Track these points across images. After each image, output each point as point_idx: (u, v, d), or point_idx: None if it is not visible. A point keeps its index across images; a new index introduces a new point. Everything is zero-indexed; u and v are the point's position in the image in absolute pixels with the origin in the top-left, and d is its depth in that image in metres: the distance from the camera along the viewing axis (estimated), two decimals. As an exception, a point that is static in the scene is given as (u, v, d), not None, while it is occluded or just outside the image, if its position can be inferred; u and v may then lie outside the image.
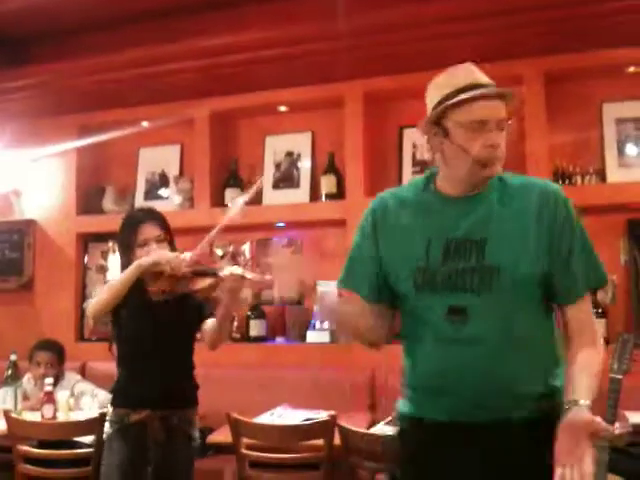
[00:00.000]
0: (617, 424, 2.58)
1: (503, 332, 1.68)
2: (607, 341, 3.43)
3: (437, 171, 1.82)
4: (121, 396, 2.61)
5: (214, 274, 2.41)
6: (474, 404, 1.68)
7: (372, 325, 1.86)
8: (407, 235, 1.78)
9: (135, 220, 2.61)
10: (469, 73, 1.75)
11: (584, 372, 1.68)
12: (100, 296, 2.54)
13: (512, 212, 1.73)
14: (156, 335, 2.55)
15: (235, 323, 4.18)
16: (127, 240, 2.58)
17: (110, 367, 3.62)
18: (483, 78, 1.75)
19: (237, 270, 2.37)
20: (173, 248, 2.62)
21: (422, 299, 1.73)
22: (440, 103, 1.73)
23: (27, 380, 3.68)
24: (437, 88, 1.77)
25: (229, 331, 2.48)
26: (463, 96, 1.69)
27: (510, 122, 1.74)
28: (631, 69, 3.60)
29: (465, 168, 1.72)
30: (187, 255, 2.46)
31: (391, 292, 1.83)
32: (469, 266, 1.69)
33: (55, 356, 3.65)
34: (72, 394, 3.52)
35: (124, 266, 2.56)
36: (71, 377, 3.74)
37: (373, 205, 1.88)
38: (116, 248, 4.33)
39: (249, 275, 2.37)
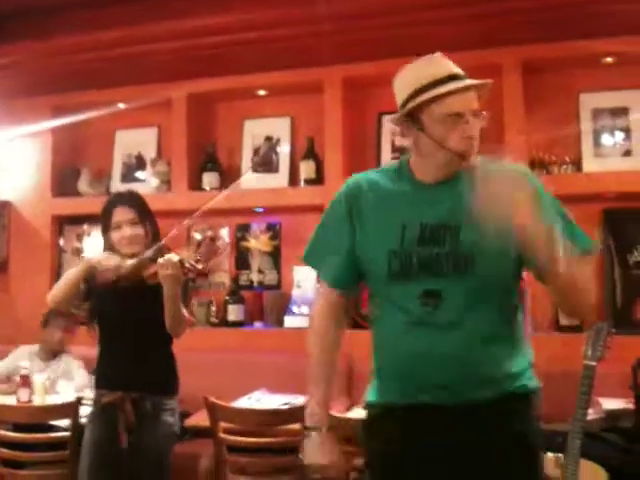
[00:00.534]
0: (591, 410, 2.63)
1: (475, 317, 1.71)
2: (581, 329, 3.50)
3: (410, 157, 1.83)
4: (98, 377, 2.71)
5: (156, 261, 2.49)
6: (443, 386, 1.70)
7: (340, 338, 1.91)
8: (382, 220, 1.78)
9: (110, 203, 2.71)
10: (441, 65, 1.75)
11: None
12: (57, 285, 2.69)
13: (487, 197, 1.73)
14: (122, 317, 2.63)
15: (213, 308, 4.19)
16: (104, 223, 2.70)
17: (88, 351, 3.62)
18: (455, 69, 1.75)
19: (172, 257, 2.43)
20: (154, 230, 2.69)
21: (396, 284, 1.74)
22: (413, 96, 1.72)
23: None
24: (407, 80, 1.76)
25: (176, 316, 2.52)
26: (441, 90, 1.69)
27: (484, 112, 1.75)
28: (608, 59, 3.63)
29: (441, 159, 1.74)
30: (131, 261, 2.54)
31: (354, 278, 1.85)
32: (443, 251, 1.71)
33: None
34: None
35: (104, 247, 2.70)
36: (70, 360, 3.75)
37: (347, 188, 1.88)
38: (91, 231, 4.37)
39: (186, 262, 2.43)
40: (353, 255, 1.82)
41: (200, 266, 2.49)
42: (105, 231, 2.70)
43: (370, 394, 1.84)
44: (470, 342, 1.70)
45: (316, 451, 1.83)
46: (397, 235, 1.74)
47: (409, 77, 1.76)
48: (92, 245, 4.31)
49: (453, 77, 1.72)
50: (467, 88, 1.72)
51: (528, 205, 1.58)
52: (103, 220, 2.70)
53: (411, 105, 1.72)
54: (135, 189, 2.91)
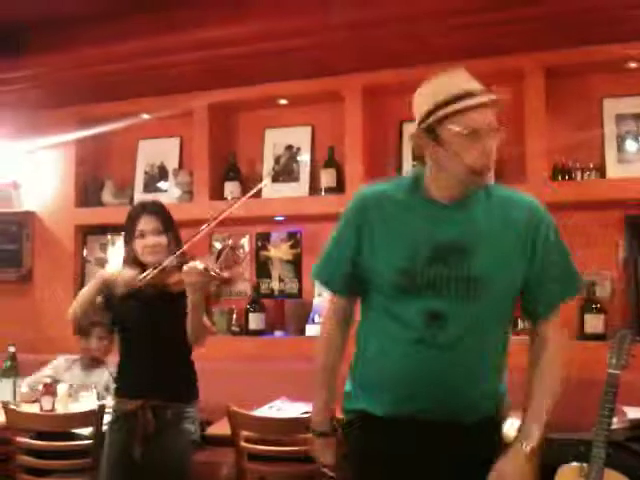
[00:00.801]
0: (615, 419, 2.59)
1: (475, 341, 1.73)
2: (604, 337, 3.45)
3: (424, 173, 1.82)
4: (118, 385, 2.75)
5: (181, 268, 2.49)
6: (436, 405, 1.73)
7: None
8: (394, 235, 1.79)
9: (134, 213, 2.73)
10: (462, 80, 1.75)
11: (545, 394, 1.80)
12: (75, 302, 2.71)
13: (498, 224, 1.77)
14: (143, 325, 2.64)
15: (234, 316, 4.19)
16: (127, 231, 2.72)
17: (107, 360, 3.63)
18: (475, 84, 1.75)
19: (197, 264, 2.43)
20: (177, 239, 2.71)
21: (401, 300, 1.75)
22: (433, 111, 1.72)
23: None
24: (427, 95, 1.76)
25: (198, 325, 2.52)
26: (461, 105, 1.69)
27: (500, 128, 1.74)
28: (632, 65, 3.58)
29: (458, 175, 1.74)
30: (145, 274, 2.56)
31: (362, 287, 1.87)
32: (453, 274, 1.72)
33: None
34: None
35: (126, 256, 2.73)
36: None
37: (362, 200, 1.87)
38: (115, 241, 4.41)
39: (211, 270, 2.43)
40: (358, 266, 1.84)
41: (226, 274, 2.48)
42: (128, 240, 2.71)
43: (351, 401, 1.87)
44: (468, 365, 1.73)
45: (322, 453, 1.93)
46: (407, 252, 1.75)
47: (429, 92, 1.77)
48: (115, 255, 4.35)
49: (471, 93, 1.72)
50: (485, 104, 1.72)
51: None
52: (127, 228, 2.72)
53: (431, 120, 1.72)
54: (158, 200, 2.93)
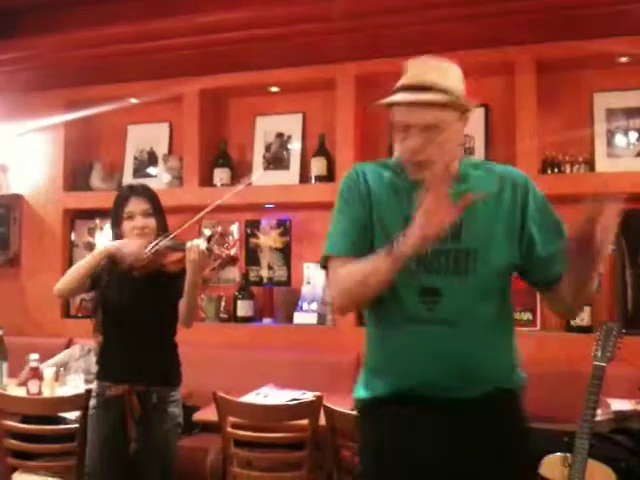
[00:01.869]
0: (599, 411, 2.62)
1: (473, 315, 1.72)
2: (591, 329, 3.49)
3: None
4: (102, 369, 2.73)
5: (182, 248, 2.52)
6: (441, 383, 1.71)
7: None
8: (386, 211, 1.78)
9: (123, 194, 2.73)
10: (420, 70, 1.73)
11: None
12: (67, 275, 2.68)
13: (488, 200, 1.75)
14: (131, 306, 2.63)
15: (223, 303, 4.20)
16: (115, 213, 2.71)
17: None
18: (428, 77, 1.70)
19: (199, 242, 2.47)
20: (163, 223, 2.72)
21: (396, 279, 1.71)
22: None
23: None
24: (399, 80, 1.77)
25: (192, 305, 2.56)
26: (389, 99, 1.72)
27: (440, 129, 1.69)
28: (623, 59, 3.60)
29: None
30: (151, 245, 2.57)
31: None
32: (445, 248, 1.71)
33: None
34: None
35: (114, 238, 2.71)
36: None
37: (356, 172, 1.83)
38: (103, 225, 4.39)
39: (213, 249, 2.47)
40: (370, 228, 1.78)
41: (231, 252, 2.53)
42: (116, 222, 2.70)
43: (360, 390, 1.85)
44: (468, 341, 1.71)
45: None
46: (399, 228, 1.70)
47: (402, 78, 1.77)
48: (104, 239, 4.33)
49: (409, 87, 1.71)
50: (414, 103, 1.69)
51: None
52: (115, 211, 2.71)
53: (387, 104, 1.75)
54: (146, 183, 2.91)
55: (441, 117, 1.69)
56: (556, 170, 3.64)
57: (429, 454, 1.72)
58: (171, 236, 2.59)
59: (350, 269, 1.73)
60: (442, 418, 1.71)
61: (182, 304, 2.57)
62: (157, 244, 2.55)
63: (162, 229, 2.69)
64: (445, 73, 1.73)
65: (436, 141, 1.69)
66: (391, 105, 1.75)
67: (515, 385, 1.81)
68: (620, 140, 3.67)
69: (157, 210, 2.71)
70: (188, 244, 2.48)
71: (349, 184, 1.83)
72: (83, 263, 2.67)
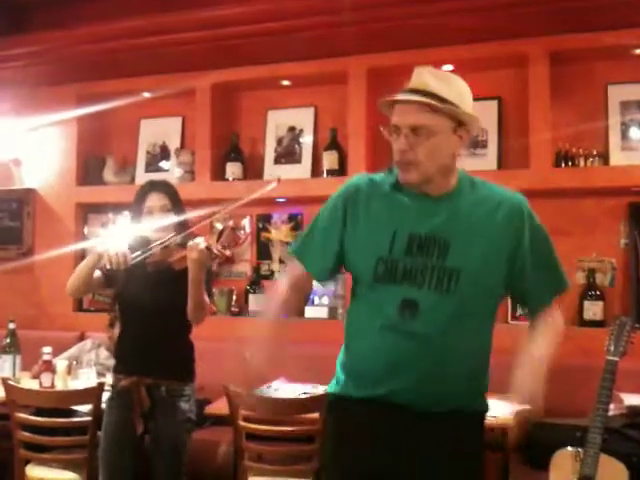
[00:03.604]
0: (612, 405, 2.60)
1: (449, 333, 1.72)
2: (604, 324, 3.46)
3: None
4: (117, 361, 2.79)
5: (184, 246, 2.54)
6: (408, 395, 1.73)
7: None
8: (374, 224, 1.80)
9: (144, 189, 2.79)
10: (418, 77, 1.77)
11: (545, 338, 1.82)
12: (72, 276, 2.74)
13: (479, 219, 1.77)
14: (143, 302, 2.67)
15: (234, 297, 4.20)
16: (136, 208, 2.77)
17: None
18: (425, 82, 1.73)
19: (200, 241, 2.49)
20: (182, 219, 2.75)
21: (378, 289, 1.76)
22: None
23: None
24: None
25: (198, 302, 2.58)
26: (386, 98, 1.78)
27: (429, 134, 1.71)
28: (637, 51, 3.56)
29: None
30: (157, 243, 2.61)
31: (332, 274, 1.91)
32: (430, 264, 1.73)
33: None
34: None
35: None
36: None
37: (346, 190, 1.89)
38: (115, 219, 4.41)
39: (213, 247, 2.49)
40: (339, 256, 1.85)
41: (228, 252, 2.56)
42: (136, 216, 2.75)
43: (333, 385, 1.89)
44: (440, 357, 1.72)
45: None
46: (387, 241, 1.76)
47: None
48: (117, 233, 4.35)
49: (412, 90, 1.74)
50: (406, 102, 1.74)
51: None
52: (135, 205, 2.76)
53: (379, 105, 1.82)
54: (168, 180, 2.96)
55: (429, 120, 1.71)
56: (570, 163, 3.61)
57: (379, 461, 1.76)
58: (184, 234, 2.61)
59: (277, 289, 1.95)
60: (401, 428, 1.75)
61: (188, 300, 2.59)
62: (140, 254, 2.57)
63: (181, 224, 2.71)
64: (444, 82, 1.75)
65: (424, 144, 1.72)
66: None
67: (481, 409, 1.85)
68: (635, 133, 3.63)
69: (176, 206, 2.75)
70: (189, 243, 2.50)
71: (339, 196, 1.89)
72: (83, 264, 2.73)
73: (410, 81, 1.78)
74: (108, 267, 2.56)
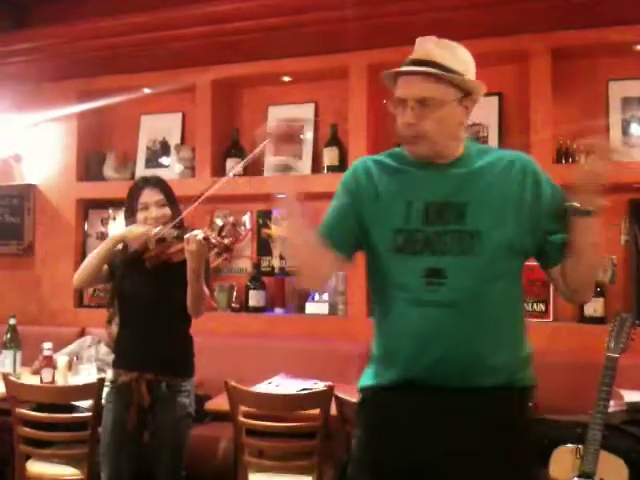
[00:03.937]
0: (612, 402, 2.60)
1: (478, 298, 1.68)
2: (604, 320, 3.46)
3: None
4: (117, 357, 2.79)
5: (182, 239, 2.54)
6: (446, 369, 1.67)
7: (323, 265, 1.85)
8: (388, 198, 1.78)
9: (137, 186, 2.79)
10: (420, 48, 1.75)
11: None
12: (82, 266, 2.75)
13: (494, 177, 1.75)
14: (145, 297, 2.69)
15: (234, 293, 4.20)
16: (129, 204, 2.77)
17: (109, 333, 3.63)
18: (428, 52, 1.71)
19: (197, 233, 2.49)
20: (177, 214, 2.74)
21: (399, 261, 1.72)
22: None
23: None
24: None
25: (197, 294, 2.58)
26: (392, 70, 1.75)
27: (436, 104, 1.68)
28: (639, 47, 3.55)
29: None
30: (157, 229, 2.63)
31: (348, 244, 1.83)
32: (449, 229, 1.70)
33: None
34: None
35: None
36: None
37: (355, 166, 1.87)
38: (116, 215, 4.41)
39: (211, 238, 2.48)
40: (361, 228, 1.80)
41: (226, 240, 2.54)
42: (130, 213, 2.76)
43: (365, 378, 1.83)
44: (474, 325, 1.67)
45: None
46: (402, 213, 1.73)
47: None
48: (115, 228, 4.35)
49: (415, 61, 1.72)
50: (416, 73, 1.70)
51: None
52: (129, 202, 2.77)
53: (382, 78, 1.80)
54: (159, 175, 2.96)
55: (435, 91, 1.69)
56: (570, 160, 3.61)
57: (423, 448, 1.69)
58: (173, 224, 2.63)
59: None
60: (443, 411, 1.67)
61: (187, 293, 2.59)
62: (161, 231, 2.60)
63: (176, 219, 2.71)
64: (448, 51, 1.73)
65: (431, 116, 1.69)
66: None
67: (526, 383, 1.75)
68: (636, 129, 3.62)
69: (171, 201, 2.77)
70: (187, 235, 2.50)
71: (346, 178, 1.87)
72: (95, 253, 2.73)
73: (413, 51, 1.75)
74: (132, 248, 2.59)
